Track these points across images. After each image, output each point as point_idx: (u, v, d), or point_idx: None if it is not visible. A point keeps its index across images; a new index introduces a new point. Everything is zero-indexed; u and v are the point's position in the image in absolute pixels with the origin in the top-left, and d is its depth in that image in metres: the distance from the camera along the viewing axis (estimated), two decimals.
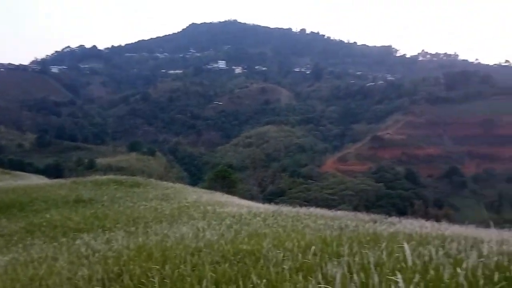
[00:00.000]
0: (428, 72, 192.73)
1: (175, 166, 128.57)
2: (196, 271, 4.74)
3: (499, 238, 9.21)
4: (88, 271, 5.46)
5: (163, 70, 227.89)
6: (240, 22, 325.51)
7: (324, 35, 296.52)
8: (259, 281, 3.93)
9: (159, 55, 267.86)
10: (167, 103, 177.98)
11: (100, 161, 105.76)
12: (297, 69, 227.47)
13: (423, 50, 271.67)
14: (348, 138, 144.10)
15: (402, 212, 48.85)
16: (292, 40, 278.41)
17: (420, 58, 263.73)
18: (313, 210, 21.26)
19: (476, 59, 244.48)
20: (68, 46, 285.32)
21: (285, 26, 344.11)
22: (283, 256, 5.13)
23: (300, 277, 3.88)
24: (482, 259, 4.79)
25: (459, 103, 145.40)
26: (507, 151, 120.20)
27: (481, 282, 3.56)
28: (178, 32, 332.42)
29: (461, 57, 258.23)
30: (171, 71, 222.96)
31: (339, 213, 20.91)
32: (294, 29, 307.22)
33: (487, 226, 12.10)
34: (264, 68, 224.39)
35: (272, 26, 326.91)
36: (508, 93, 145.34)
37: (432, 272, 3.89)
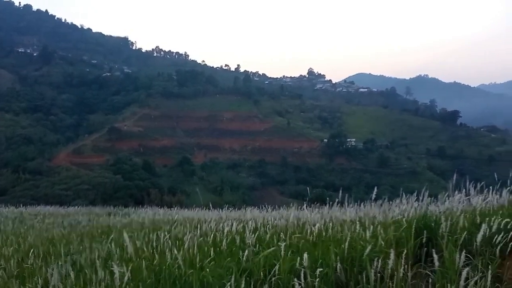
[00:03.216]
0: (163, 68, 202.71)
1: None
2: None
3: (217, 217, 10.74)
4: None
5: None
6: None
7: (54, 16, 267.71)
8: None
9: None
10: None
11: None
12: (21, 50, 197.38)
13: (157, 47, 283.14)
14: (83, 129, 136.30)
15: (139, 202, 50.06)
16: (14, 15, 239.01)
17: (155, 54, 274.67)
18: (42, 208, 19.34)
19: (203, 61, 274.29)
20: None
21: None
22: None
23: (15, 285, 3.44)
24: (202, 238, 5.47)
25: (189, 99, 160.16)
26: (227, 143, 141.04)
27: (198, 258, 4.07)
28: None
29: (191, 57, 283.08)
30: None
31: (72, 209, 19.75)
32: (16, 3, 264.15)
33: (211, 208, 13.89)
34: None
35: None
36: (227, 93, 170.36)
37: (157, 256, 4.18)
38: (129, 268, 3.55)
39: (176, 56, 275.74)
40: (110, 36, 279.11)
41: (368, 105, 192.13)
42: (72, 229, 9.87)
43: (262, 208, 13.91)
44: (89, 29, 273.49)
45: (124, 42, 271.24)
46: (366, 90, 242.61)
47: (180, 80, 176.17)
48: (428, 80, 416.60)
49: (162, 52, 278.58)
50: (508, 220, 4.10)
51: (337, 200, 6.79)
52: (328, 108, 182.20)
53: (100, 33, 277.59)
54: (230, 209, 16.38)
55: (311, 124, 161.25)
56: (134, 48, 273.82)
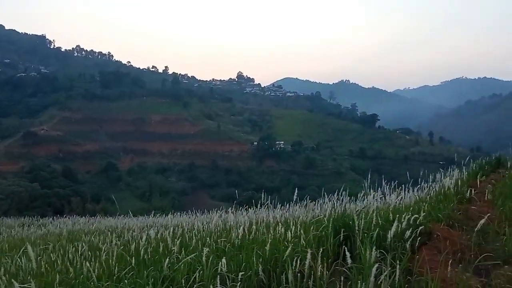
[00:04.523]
0: (84, 69, 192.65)
1: None
2: None
3: (143, 224, 10.38)
4: None
5: None
6: None
7: None
8: None
9: None
10: None
11: None
12: None
13: (78, 46, 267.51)
14: None
15: (59, 212, 47.18)
16: None
17: (76, 54, 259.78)
18: None
19: (129, 62, 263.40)
20: None
21: None
22: None
23: None
24: (123, 247, 5.23)
25: (114, 101, 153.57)
26: (156, 146, 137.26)
27: (117, 269, 3.87)
28: None
29: (116, 57, 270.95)
30: None
31: None
32: None
33: (139, 215, 13.39)
34: None
35: None
36: (155, 95, 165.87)
37: (71, 269, 3.92)
38: (39, 283, 3.29)
39: (99, 56, 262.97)
40: (25, 33, 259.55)
41: (295, 109, 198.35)
42: None
43: (191, 213, 13.72)
44: (1, 26, 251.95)
45: (40, 41, 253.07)
46: (293, 94, 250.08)
47: (103, 81, 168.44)
48: (350, 86, 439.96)
49: (83, 52, 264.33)
50: (417, 216, 4.43)
51: (260, 201, 6.90)
52: (258, 112, 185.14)
53: (14, 30, 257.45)
54: (159, 215, 15.93)
55: (241, 127, 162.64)
56: (52, 47, 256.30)
